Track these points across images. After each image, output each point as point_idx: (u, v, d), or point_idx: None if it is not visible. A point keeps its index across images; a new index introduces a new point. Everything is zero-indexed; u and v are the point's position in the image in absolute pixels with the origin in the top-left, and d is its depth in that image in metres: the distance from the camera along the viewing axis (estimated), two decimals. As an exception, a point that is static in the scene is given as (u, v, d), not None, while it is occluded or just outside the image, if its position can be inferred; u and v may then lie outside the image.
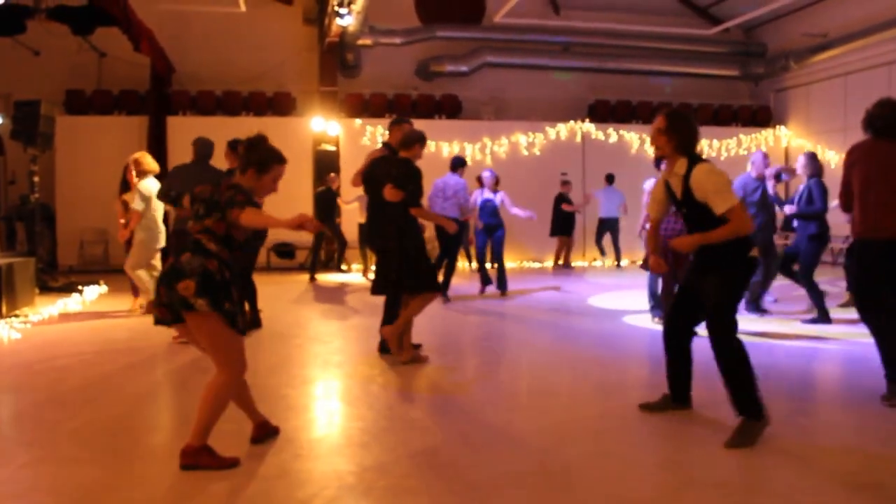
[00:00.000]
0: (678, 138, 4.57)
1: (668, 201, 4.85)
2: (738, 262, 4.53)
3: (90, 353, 7.25)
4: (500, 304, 10.62)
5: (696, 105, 18.91)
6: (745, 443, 4.33)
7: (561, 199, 15.68)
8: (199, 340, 4.04)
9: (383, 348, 6.85)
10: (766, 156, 8.86)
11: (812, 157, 8.51)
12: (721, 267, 4.53)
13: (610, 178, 15.97)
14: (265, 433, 4.42)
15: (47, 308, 9.67)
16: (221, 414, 4.03)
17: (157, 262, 9.02)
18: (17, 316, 8.89)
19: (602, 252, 16.18)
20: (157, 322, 4.04)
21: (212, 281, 3.86)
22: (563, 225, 15.69)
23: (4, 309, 8.88)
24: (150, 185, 8.79)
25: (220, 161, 8.05)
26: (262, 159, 4.17)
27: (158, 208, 8.87)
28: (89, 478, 3.88)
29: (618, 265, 16.20)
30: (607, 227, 15.96)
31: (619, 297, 11.15)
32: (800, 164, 8.56)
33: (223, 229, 3.98)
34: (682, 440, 4.56)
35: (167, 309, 3.93)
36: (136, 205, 8.75)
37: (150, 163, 8.94)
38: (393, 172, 6.44)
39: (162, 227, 8.99)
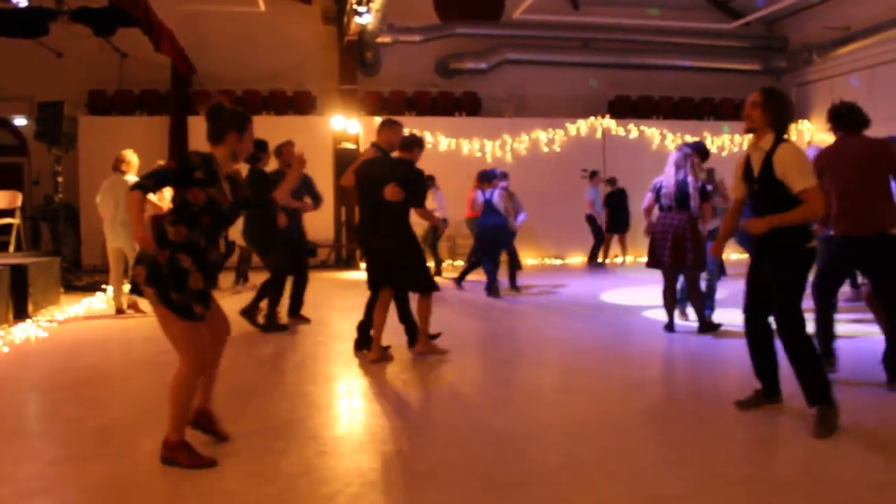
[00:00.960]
0: (773, 114, 4.60)
1: (745, 181, 4.83)
2: (797, 252, 4.55)
3: (115, 352, 7.31)
4: (518, 301, 10.59)
5: (718, 100, 18.77)
6: (830, 430, 4.36)
7: (614, 195, 15.66)
8: None
9: (359, 346, 6.92)
10: None
11: None
12: (780, 258, 4.57)
13: (594, 175, 15.95)
14: (201, 423, 4.34)
15: (72, 307, 9.76)
16: (189, 404, 4.05)
17: None
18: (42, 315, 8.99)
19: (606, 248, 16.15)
20: (132, 292, 4.10)
21: (158, 272, 3.91)
22: (618, 222, 15.75)
23: (30, 308, 8.97)
24: None
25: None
26: (238, 122, 4.23)
27: None
28: (115, 474, 3.91)
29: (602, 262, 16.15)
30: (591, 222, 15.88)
31: (634, 292, 11.08)
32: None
33: (178, 201, 4.04)
34: (708, 436, 4.52)
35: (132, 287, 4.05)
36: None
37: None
38: (399, 173, 6.42)
39: None
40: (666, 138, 17.65)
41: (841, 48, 16.62)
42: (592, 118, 17.62)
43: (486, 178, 11.34)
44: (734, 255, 14.54)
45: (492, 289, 10.87)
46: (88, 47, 14.86)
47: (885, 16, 15.15)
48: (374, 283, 6.60)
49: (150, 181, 4.00)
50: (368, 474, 3.90)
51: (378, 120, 15.91)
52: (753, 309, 4.88)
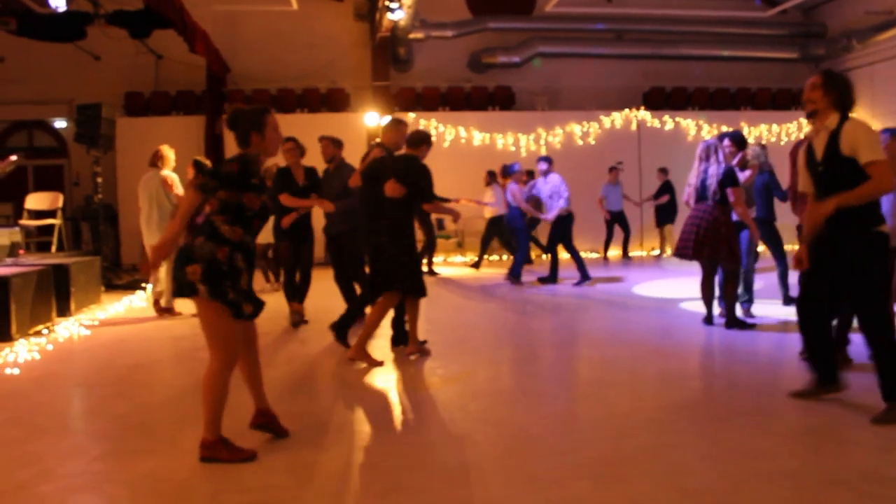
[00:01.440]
0: (834, 94, 4.52)
1: (808, 168, 4.72)
2: (867, 238, 4.45)
3: (156, 349, 7.40)
4: (551, 294, 10.54)
5: (754, 89, 18.51)
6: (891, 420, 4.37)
7: (663, 187, 15.52)
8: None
9: (396, 343, 6.95)
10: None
11: None
12: (849, 247, 4.47)
13: (613, 169, 15.74)
14: (266, 422, 4.41)
15: (113, 305, 9.91)
16: (223, 401, 4.07)
17: None
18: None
19: (607, 244, 15.95)
20: (176, 295, 4.05)
21: (217, 269, 3.93)
22: (665, 215, 15.61)
23: (73, 307, 9.12)
24: None
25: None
26: (253, 120, 4.18)
27: None
28: (159, 470, 3.96)
29: (626, 255, 15.99)
30: (616, 219, 15.64)
31: (672, 285, 10.97)
32: None
33: (234, 203, 4.03)
34: (748, 430, 4.46)
35: (179, 285, 3.98)
36: None
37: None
38: (399, 168, 6.33)
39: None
40: (702, 129, 17.45)
41: (882, 34, 16.29)
42: (627, 110, 17.48)
43: (506, 172, 12.21)
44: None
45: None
46: (125, 50, 15.08)
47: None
48: (378, 285, 6.40)
49: (214, 182, 3.99)
50: (408, 469, 3.91)
51: (412, 116, 16.12)
52: (811, 301, 4.76)
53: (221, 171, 4.05)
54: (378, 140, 6.93)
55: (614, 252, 16.05)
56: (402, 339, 6.87)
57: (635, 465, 3.90)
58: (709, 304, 7.67)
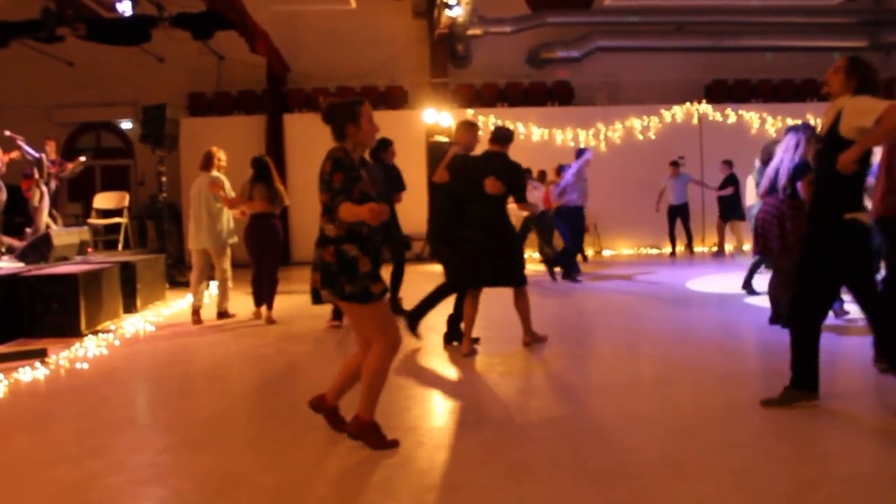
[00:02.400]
0: (855, 82, 4.39)
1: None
2: (849, 231, 4.37)
3: (218, 345, 7.52)
4: (609, 291, 10.42)
5: (820, 81, 17.97)
6: None
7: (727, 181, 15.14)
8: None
9: (449, 339, 6.96)
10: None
11: None
12: (837, 244, 4.40)
13: (675, 164, 15.37)
14: (322, 409, 4.42)
15: (177, 302, 10.11)
16: (382, 385, 4.15)
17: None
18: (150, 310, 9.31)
19: (673, 240, 15.62)
20: (315, 302, 4.33)
21: (329, 271, 4.02)
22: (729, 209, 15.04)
23: (139, 303, 9.33)
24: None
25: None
26: (349, 113, 4.26)
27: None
28: (223, 464, 4.02)
29: (690, 250, 15.65)
30: (678, 213, 15.31)
31: (725, 280, 10.74)
32: None
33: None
34: (815, 433, 4.35)
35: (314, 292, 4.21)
36: None
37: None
38: (496, 166, 6.42)
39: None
40: (766, 122, 17.05)
41: (956, 21, 15.71)
42: (688, 104, 17.17)
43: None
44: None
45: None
46: (188, 51, 15.39)
47: None
48: (465, 279, 6.52)
49: (349, 186, 4.07)
50: (466, 466, 3.90)
51: (470, 112, 16.11)
52: (804, 306, 4.63)
53: (341, 176, 4.09)
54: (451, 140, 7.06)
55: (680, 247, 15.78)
56: (456, 335, 6.90)
57: (700, 466, 3.82)
58: (773, 302, 7.43)
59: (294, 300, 9.98)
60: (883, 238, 5.37)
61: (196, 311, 8.68)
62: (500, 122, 15.88)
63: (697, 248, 16.17)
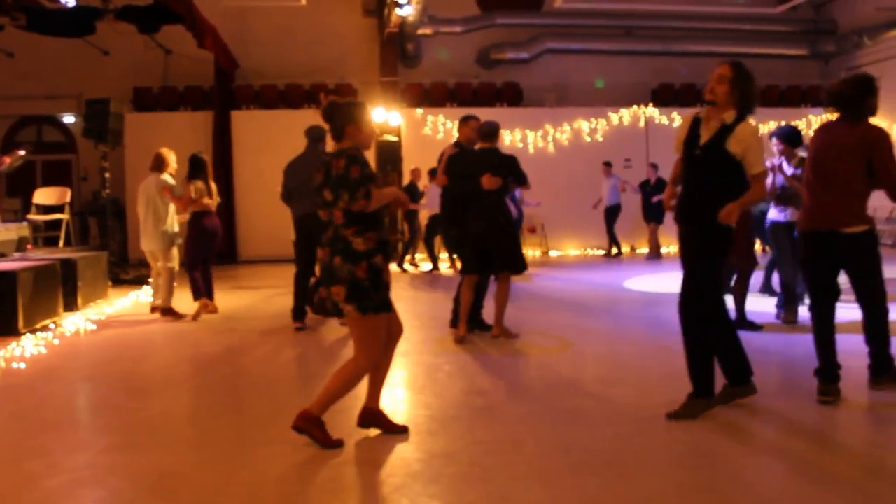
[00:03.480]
0: (741, 93, 4.45)
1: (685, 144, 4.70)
2: (719, 240, 4.49)
3: (162, 344, 7.41)
4: (553, 292, 10.52)
5: (764, 86, 18.40)
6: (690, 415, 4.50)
7: (646, 185, 15.29)
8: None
9: (477, 325, 7.34)
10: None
11: None
12: (705, 244, 4.51)
13: (607, 164, 15.46)
14: (373, 422, 4.39)
15: (120, 300, 9.93)
16: (346, 394, 4.21)
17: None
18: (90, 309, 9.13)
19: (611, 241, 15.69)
20: (317, 312, 4.31)
21: (359, 287, 4.00)
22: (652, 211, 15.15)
23: (79, 301, 9.14)
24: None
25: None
26: (350, 113, 4.24)
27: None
28: (163, 464, 3.96)
29: (608, 253, 15.66)
30: (609, 213, 15.35)
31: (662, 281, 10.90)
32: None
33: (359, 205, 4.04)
34: (752, 428, 4.44)
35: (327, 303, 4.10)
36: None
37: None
38: (491, 162, 6.84)
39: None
40: (711, 126, 17.36)
41: (893, 30, 16.19)
42: (635, 107, 17.41)
43: None
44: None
45: None
46: (133, 45, 15.13)
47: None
48: (475, 267, 6.93)
49: (369, 174, 4.07)
50: (413, 465, 3.89)
51: (419, 112, 16.11)
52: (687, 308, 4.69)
53: (364, 174, 4.04)
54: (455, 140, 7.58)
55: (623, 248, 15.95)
56: (478, 324, 7.36)
57: (643, 462, 3.88)
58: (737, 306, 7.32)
59: (241, 299, 9.88)
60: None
61: (169, 310, 8.73)
62: (448, 123, 15.93)
63: (640, 250, 16.32)
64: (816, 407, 4.71)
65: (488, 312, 7.31)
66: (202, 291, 8.72)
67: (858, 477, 3.67)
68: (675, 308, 4.65)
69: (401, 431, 4.37)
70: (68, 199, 13.12)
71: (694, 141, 4.60)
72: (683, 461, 3.91)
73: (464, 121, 7.41)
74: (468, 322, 7.13)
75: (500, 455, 4.02)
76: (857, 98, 4.92)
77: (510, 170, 6.91)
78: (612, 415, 4.72)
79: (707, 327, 4.55)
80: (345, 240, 4.04)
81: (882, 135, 4.81)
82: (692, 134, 4.64)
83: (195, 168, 8.60)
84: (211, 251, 8.85)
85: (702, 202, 4.46)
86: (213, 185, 8.78)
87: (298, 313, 7.77)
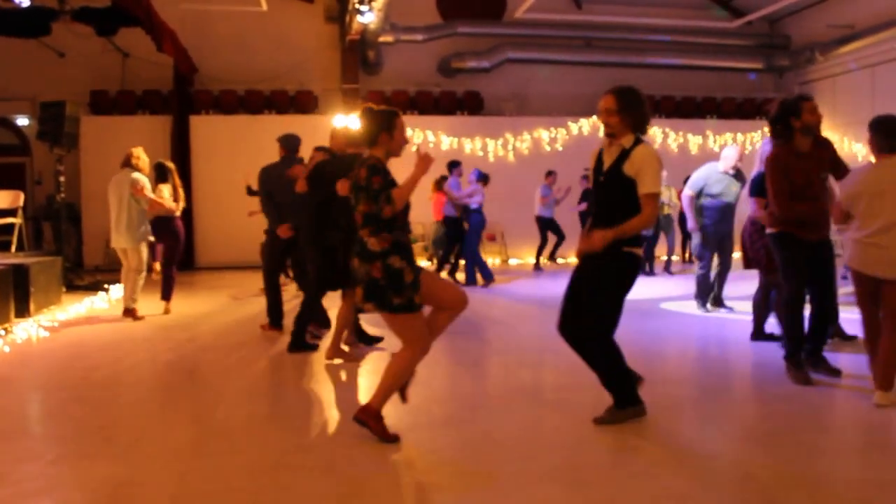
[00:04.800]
0: (631, 118, 4.51)
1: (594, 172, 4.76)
2: (617, 259, 4.49)
3: (116, 352, 7.30)
4: (512, 299, 10.58)
5: (720, 98, 18.75)
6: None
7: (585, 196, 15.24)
8: None
9: (295, 347, 6.91)
10: (741, 152, 8.67)
11: None
12: (600, 261, 4.50)
13: (549, 174, 15.02)
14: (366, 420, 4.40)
15: (74, 307, 9.76)
16: (400, 384, 4.36)
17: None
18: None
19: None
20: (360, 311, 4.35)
21: (375, 286, 4.16)
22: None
23: (32, 308, 8.97)
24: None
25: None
26: (386, 122, 4.40)
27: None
28: (116, 474, 3.91)
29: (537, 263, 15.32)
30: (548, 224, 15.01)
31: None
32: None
33: (375, 208, 4.20)
34: (704, 434, 4.51)
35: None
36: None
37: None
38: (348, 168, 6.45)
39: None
40: (668, 137, 17.65)
41: (844, 46, 16.59)
42: (595, 117, 17.55)
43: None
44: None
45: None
46: (91, 47, 14.89)
47: (888, 14, 15.13)
48: (330, 281, 6.61)
49: (391, 183, 4.23)
50: (366, 474, 3.89)
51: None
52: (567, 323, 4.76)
53: (385, 181, 4.22)
54: (323, 145, 7.20)
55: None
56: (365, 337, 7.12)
57: (602, 470, 3.93)
58: (756, 318, 7.15)
59: (198, 306, 9.78)
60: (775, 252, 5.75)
61: (130, 311, 8.88)
62: (409, 130, 15.91)
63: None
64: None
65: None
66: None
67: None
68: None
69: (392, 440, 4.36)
70: (21, 202, 12.87)
71: (600, 169, 4.66)
72: (644, 469, 3.96)
73: (339, 128, 7.20)
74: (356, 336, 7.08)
75: (460, 464, 4.04)
76: (776, 120, 5.53)
77: None
78: (572, 421, 4.76)
79: (592, 350, 4.62)
80: (361, 241, 4.25)
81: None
82: (598, 162, 4.70)
83: (161, 174, 8.92)
84: (171, 252, 9.16)
85: (609, 227, 4.48)
86: (181, 191, 9.08)
87: (276, 319, 8.00)
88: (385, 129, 4.37)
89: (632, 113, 4.51)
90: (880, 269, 4.92)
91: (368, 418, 4.29)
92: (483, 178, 12.25)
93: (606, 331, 4.54)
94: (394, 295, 4.15)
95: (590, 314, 4.56)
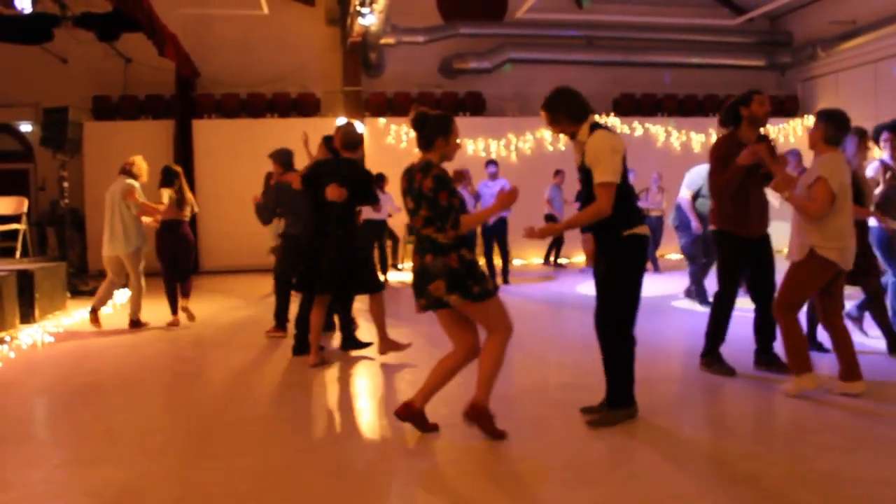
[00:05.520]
0: (563, 117, 4.59)
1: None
2: (620, 246, 4.54)
3: (121, 356, 7.31)
4: (516, 300, 10.57)
5: (723, 96, 18.67)
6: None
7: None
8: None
9: (298, 350, 6.89)
10: None
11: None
12: (605, 250, 4.62)
13: (557, 173, 15.12)
14: (411, 416, 4.51)
15: (79, 312, 9.78)
16: (500, 368, 4.42)
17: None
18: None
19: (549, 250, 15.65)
20: (429, 309, 4.40)
21: (456, 276, 4.25)
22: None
23: (37, 313, 8.99)
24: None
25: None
26: (441, 126, 4.44)
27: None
28: (120, 478, 3.92)
29: (556, 263, 15.45)
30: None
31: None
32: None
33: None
34: (713, 432, 4.51)
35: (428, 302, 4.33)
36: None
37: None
38: (342, 173, 6.44)
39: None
40: (671, 136, 17.61)
41: (846, 42, 16.54)
42: (597, 116, 17.49)
43: None
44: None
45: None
46: (93, 53, 14.92)
47: (890, 9, 15.09)
48: (311, 284, 6.50)
49: (457, 198, 4.30)
50: (370, 475, 3.89)
51: (383, 121, 16.11)
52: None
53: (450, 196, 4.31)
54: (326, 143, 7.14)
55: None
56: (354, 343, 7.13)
57: (604, 468, 3.94)
58: (886, 330, 6.48)
59: (203, 310, 9.78)
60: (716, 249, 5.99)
61: (94, 311, 8.65)
62: (412, 132, 15.91)
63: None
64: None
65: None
66: (176, 305, 8.89)
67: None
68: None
69: (433, 429, 4.55)
70: (25, 208, 12.90)
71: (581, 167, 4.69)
72: (645, 468, 3.96)
73: (342, 126, 6.98)
74: (346, 342, 7.11)
75: (462, 464, 4.04)
76: (726, 108, 5.83)
77: (360, 184, 6.52)
78: (574, 422, 4.75)
79: (610, 341, 4.64)
80: (429, 238, 4.30)
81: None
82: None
83: (167, 178, 8.68)
84: (177, 260, 8.72)
85: (597, 224, 4.56)
86: (189, 195, 8.85)
87: (281, 323, 7.97)
88: (441, 134, 4.42)
89: (564, 111, 4.58)
90: (846, 260, 5.10)
91: (481, 418, 4.35)
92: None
93: (625, 318, 4.58)
94: (473, 284, 4.25)
95: (606, 302, 4.62)
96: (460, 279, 4.23)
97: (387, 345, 6.70)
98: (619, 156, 4.46)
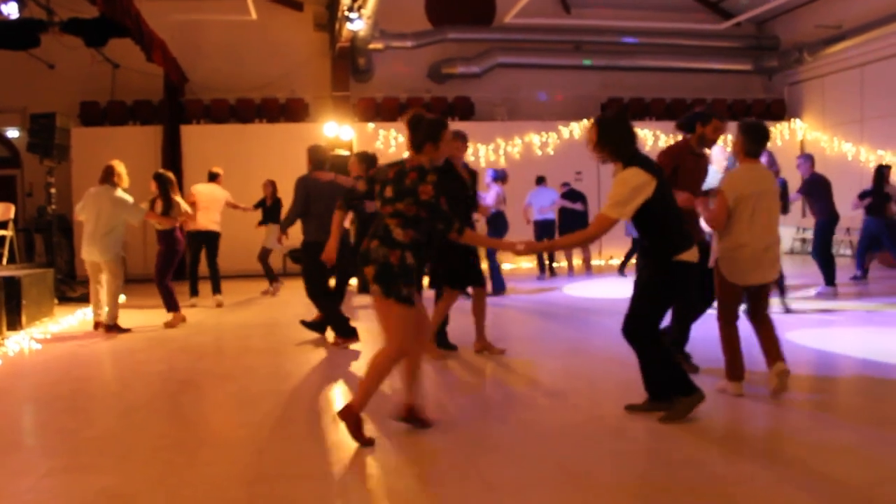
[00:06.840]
0: (610, 149, 4.66)
1: None
2: (660, 269, 4.66)
3: (108, 363, 7.29)
4: (507, 304, 10.58)
5: (710, 100, 18.80)
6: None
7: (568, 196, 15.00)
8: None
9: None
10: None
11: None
12: (652, 271, 4.72)
13: (539, 180, 14.80)
14: (408, 418, 4.65)
15: (66, 318, 9.74)
16: (381, 382, 4.45)
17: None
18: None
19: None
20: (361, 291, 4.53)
21: (389, 272, 4.29)
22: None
23: (24, 320, 8.95)
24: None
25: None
26: (432, 133, 4.52)
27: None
28: (109, 486, 3.89)
29: (550, 270, 15.03)
30: (543, 230, 14.52)
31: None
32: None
33: (414, 211, 4.35)
34: (703, 437, 4.52)
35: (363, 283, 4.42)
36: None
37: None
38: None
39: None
40: (659, 139, 17.67)
41: (832, 46, 16.67)
42: (585, 121, 17.61)
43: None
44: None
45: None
46: (80, 58, 14.82)
47: (875, 14, 15.22)
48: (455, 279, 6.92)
49: (454, 207, 4.50)
50: (363, 477, 3.89)
51: (371, 126, 16.11)
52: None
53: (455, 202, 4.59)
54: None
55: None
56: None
57: (594, 474, 3.92)
58: None
59: (192, 314, 9.75)
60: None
61: (97, 324, 8.86)
62: (400, 137, 15.95)
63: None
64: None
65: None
66: (176, 304, 9.19)
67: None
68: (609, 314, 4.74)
69: (429, 426, 4.67)
70: (12, 214, 12.84)
71: None
72: (641, 471, 3.96)
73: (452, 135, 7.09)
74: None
75: (457, 468, 4.04)
76: (687, 117, 6.09)
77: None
78: (566, 426, 4.76)
79: (644, 346, 4.74)
80: (387, 228, 4.35)
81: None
82: None
83: (162, 187, 9.09)
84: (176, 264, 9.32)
85: (649, 243, 4.75)
86: (177, 199, 9.17)
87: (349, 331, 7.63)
88: (431, 140, 4.51)
89: (610, 140, 4.65)
90: (757, 276, 5.21)
91: (348, 419, 4.35)
92: (500, 177, 12.24)
93: (654, 325, 4.72)
94: (404, 285, 4.29)
95: (637, 312, 4.73)
96: (391, 276, 4.28)
97: (482, 343, 7.11)
98: (639, 194, 4.52)
